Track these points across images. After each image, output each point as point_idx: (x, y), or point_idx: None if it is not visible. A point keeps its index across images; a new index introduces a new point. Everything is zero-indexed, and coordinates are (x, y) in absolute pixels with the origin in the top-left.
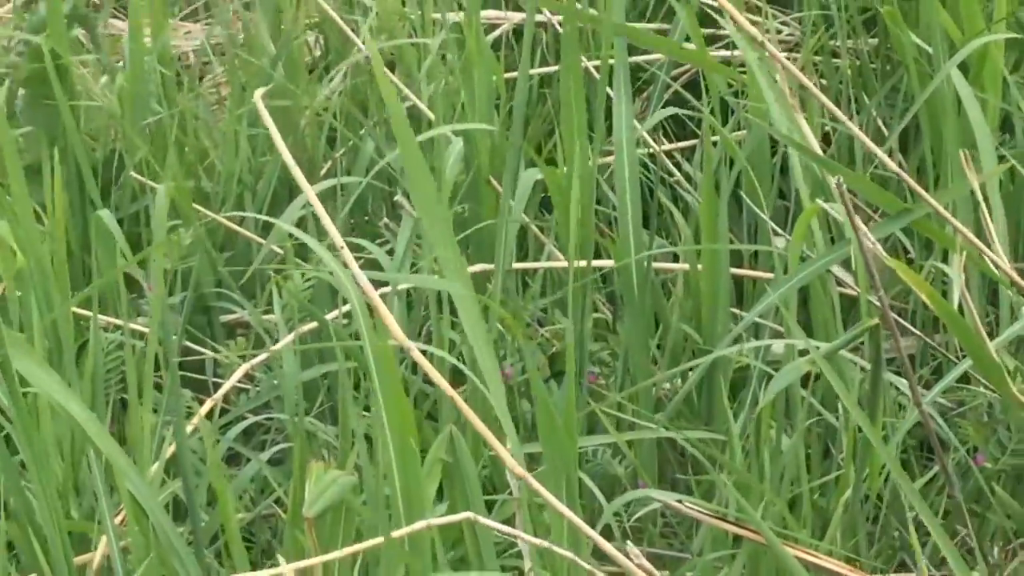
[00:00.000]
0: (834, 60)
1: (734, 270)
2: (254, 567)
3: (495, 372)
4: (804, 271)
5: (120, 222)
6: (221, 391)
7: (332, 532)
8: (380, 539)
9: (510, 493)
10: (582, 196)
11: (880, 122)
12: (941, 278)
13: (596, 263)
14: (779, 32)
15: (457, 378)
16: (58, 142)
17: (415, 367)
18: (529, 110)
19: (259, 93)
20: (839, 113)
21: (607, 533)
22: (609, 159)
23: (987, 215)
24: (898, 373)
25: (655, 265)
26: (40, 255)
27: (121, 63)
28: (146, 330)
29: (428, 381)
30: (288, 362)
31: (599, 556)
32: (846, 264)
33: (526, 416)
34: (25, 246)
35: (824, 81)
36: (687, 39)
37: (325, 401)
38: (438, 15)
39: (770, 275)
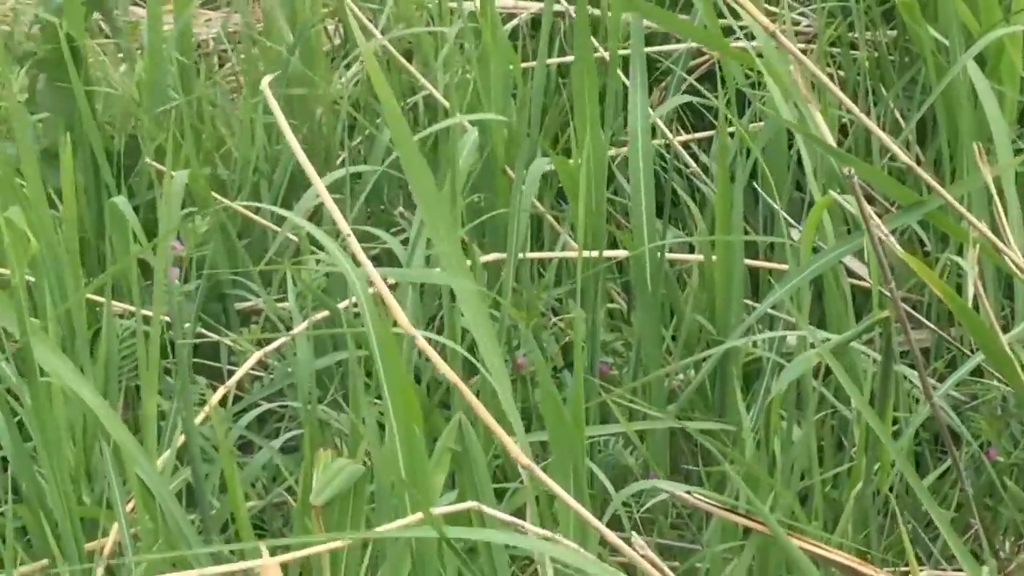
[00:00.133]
0: (852, 52)
1: (749, 261)
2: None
3: (499, 363)
4: (815, 263)
5: (136, 209)
6: (234, 378)
7: (340, 520)
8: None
9: (521, 483)
10: (594, 185)
11: (898, 114)
12: (957, 271)
13: (609, 253)
14: (796, 24)
15: (469, 366)
16: (74, 127)
17: None
18: (546, 100)
19: (266, 81)
20: (852, 105)
21: (617, 524)
22: (625, 149)
23: (1001, 208)
24: (913, 366)
25: (670, 256)
26: (53, 241)
27: (140, 50)
28: (163, 318)
29: None
30: (302, 350)
31: (609, 547)
32: (861, 257)
33: (539, 406)
34: (38, 231)
35: (842, 72)
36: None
37: (338, 389)
38: (455, 3)
39: (785, 267)
